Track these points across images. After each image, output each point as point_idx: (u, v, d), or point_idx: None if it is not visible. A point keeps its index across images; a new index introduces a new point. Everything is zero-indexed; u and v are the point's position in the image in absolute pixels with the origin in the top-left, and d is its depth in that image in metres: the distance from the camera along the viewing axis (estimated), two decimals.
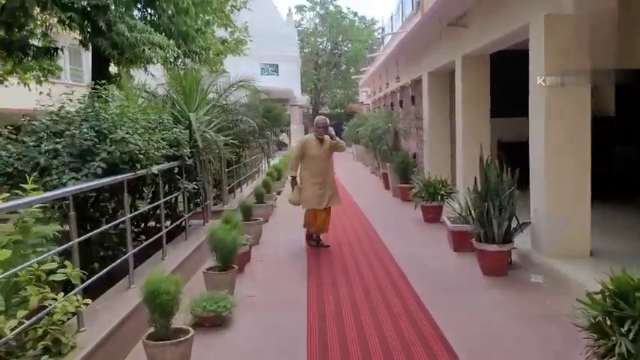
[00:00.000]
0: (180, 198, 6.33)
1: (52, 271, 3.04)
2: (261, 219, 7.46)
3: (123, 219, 4.36)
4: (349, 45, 43.58)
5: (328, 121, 7.22)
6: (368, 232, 7.98)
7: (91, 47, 11.11)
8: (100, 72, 11.64)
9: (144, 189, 5.28)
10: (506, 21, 6.55)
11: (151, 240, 4.95)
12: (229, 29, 16.90)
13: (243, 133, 9.45)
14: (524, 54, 6.48)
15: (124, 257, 4.31)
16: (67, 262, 3.16)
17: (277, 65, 31.94)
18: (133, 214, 4.59)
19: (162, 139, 5.68)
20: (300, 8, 44.34)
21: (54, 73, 14.34)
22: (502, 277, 5.41)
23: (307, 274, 5.85)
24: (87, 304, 3.33)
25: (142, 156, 4.49)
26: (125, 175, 4.30)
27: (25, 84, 13.48)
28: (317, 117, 7.41)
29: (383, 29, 20.09)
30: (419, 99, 13.19)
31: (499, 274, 5.43)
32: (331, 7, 43.91)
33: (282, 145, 26.90)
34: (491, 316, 4.49)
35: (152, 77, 11.74)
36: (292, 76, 33.22)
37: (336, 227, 8.36)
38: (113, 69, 12.50)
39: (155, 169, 4.76)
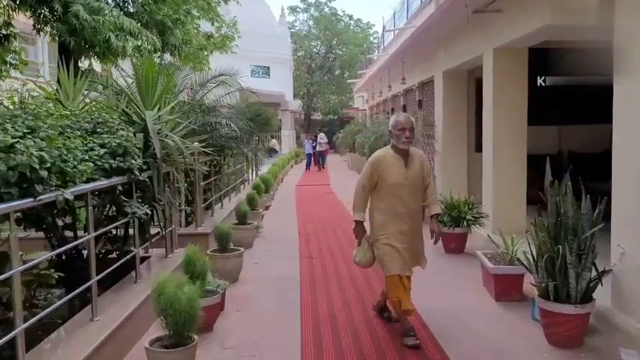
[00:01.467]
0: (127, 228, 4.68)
1: None
2: (242, 249, 5.80)
3: (9, 274, 2.69)
4: (344, 49, 42.04)
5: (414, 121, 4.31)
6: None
7: (57, 39, 9.44)
8: (64, 66, 9.98)
9: (58, 219, 3.61)
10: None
11: (62, 301, 3.28)
12: (216, 24, 15.33)
13: (225, 138, 7.83)
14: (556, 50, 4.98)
15: (9, 336, 2.65)
16: None
17: (269, 67, 30.29)
18: (24, 267, 2.91)
19: (101, 145, 4.07)
20: (293, 9, 42.83)
21: (17, 68, 12.59)
22: (577, 350, 3.81)
23: (301, 334, 4.21)
24: None
25: (44, 172, 2.83)
26: (9, 205, 2.64)
27: None
28: (396, 115, 4.32)
29: (384, 27, 18.59)
30: (428, 103, 11.65)
31: (573, 344, 3.83)
32: (326, 9, 42.44)
33: (272, 152, 25.26)
34: None
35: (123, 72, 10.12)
36: (284, 80, 31.61)
37: (337, 260, 6.73)
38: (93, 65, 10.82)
39: (70, 192, 3.09)
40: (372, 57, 18.36)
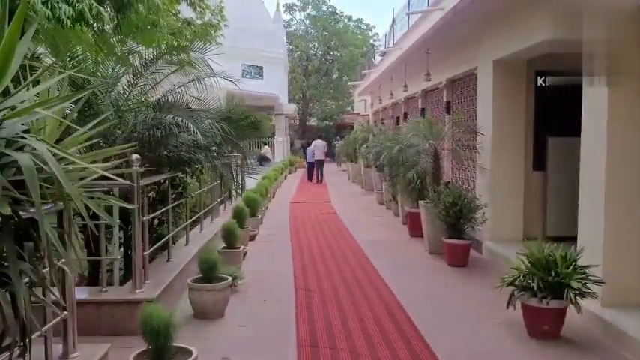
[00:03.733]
0: None
1: None
2: (194, 354, 3.18)
3: None
4: (343, 51, 39.46)
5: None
6: None
7: None
8: None
9: None
10: None
11: None
12: (198, 9, 12.86)
13: (187, 147, 5.26)
14: None
15: None
16: None
17: (262, 67, 27.69)
18: None
19: None
20: (289, 7, 40.20)
21: None
22: None
23: None
24: None
25: None
26: None
27: None
28: None
29: (393, 20, 16.09)
30: (462, 105, 9.13)
31: None
32: (324, 8, 39.90)
33: (264, 161, 22.56)
34: None
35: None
36: (278, 81, 29.04)
37: (361, 352, 4.09)
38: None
39: None
40: (385, 50, 15.77)
